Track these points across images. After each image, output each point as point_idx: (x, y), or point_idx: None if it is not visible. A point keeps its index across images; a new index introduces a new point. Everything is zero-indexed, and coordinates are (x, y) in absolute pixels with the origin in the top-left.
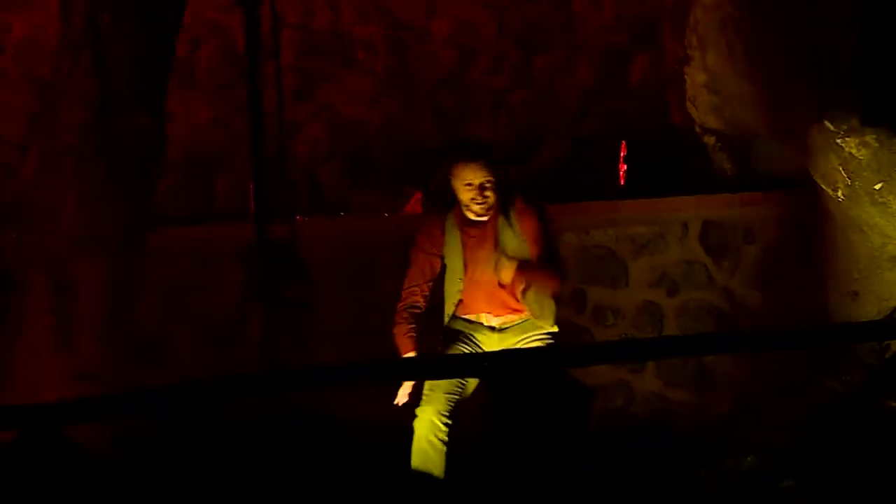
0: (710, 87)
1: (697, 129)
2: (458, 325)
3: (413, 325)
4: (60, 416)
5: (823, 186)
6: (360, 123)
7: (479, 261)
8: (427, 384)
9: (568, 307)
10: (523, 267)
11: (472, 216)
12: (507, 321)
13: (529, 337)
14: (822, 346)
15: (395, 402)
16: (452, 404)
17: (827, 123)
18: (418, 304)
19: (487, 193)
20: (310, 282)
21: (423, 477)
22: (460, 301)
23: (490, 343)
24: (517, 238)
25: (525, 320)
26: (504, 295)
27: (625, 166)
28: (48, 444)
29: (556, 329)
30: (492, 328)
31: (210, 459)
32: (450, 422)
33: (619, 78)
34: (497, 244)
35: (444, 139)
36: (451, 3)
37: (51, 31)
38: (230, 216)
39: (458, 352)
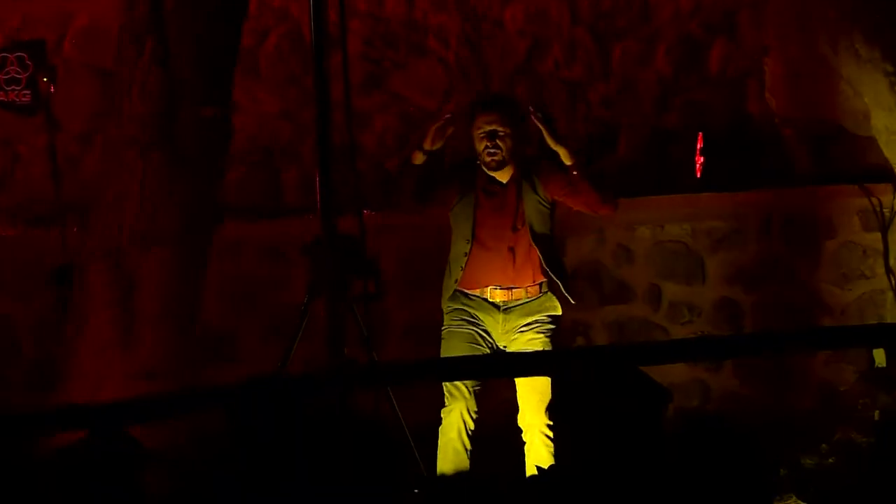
0: (789, 79)
1: (777, 121)
2: (461, 302)
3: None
4: (131, 415)
5: None
6: (432, 115)
7: (492, 227)
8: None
9: (643, 304)
10: (581, 167)
11: (486, 170)
12: (513, 299)
13: (535, 319)
14: None
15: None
16: (476, 399)
17: None
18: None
19: (500, 143)
20: (377, 277)
21: (456, 481)
22: (465, 269)
23: (494, 325)
24: (542, 207)
25: (532, 298)
26: (517, 265)
27: (701, 159)
28: (119, 445)
29: (560, 312)
30: (496, 306)
31: (274, 457)
32: (475, 418)
33: (697, 68)
34: (517, 213)
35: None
36: None
37: (113, 20)
38: (298, 210)
39: (463, 333)
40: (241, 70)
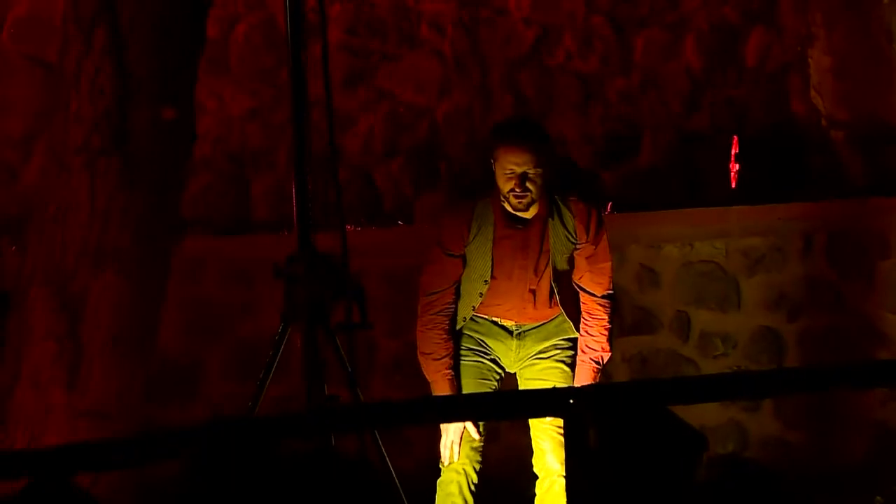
0: (838, 73)
1: (823, 122)
2: (468, 327)
3: (449, 336)
4: (79, 462)
5: None
6: (424, 114)
7: (512, 266)
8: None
9: (669, 334)
10: (595, 371)
11: (509, 209)
12: (528, 324)
13: (551, 343)
14: None
15: (443, 462)
16: (482, 448)
17: None
18: (449, 309)
19: (530, 186)
20: (363, 302)
21: None
22: (477, 308)
23: (507, 351)
24: (570, 241)
25: (547, 321)
26: (537, 305)
27: (737, 166)
28: (62, 497)
29: (577, 335)
30: (509, 331)
31: None
32: (479, 469)
33: (732, 61)
34: (542, 251)
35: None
36: None
37: (58, 7)
38: (270, 225)
39: (469, 367)
40: (205, 65)
